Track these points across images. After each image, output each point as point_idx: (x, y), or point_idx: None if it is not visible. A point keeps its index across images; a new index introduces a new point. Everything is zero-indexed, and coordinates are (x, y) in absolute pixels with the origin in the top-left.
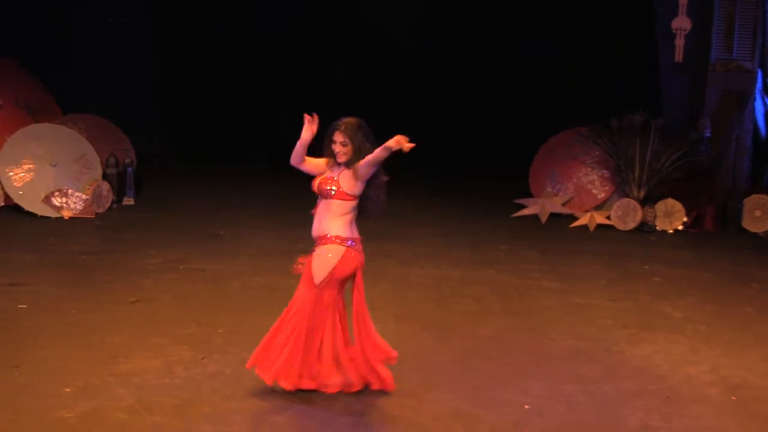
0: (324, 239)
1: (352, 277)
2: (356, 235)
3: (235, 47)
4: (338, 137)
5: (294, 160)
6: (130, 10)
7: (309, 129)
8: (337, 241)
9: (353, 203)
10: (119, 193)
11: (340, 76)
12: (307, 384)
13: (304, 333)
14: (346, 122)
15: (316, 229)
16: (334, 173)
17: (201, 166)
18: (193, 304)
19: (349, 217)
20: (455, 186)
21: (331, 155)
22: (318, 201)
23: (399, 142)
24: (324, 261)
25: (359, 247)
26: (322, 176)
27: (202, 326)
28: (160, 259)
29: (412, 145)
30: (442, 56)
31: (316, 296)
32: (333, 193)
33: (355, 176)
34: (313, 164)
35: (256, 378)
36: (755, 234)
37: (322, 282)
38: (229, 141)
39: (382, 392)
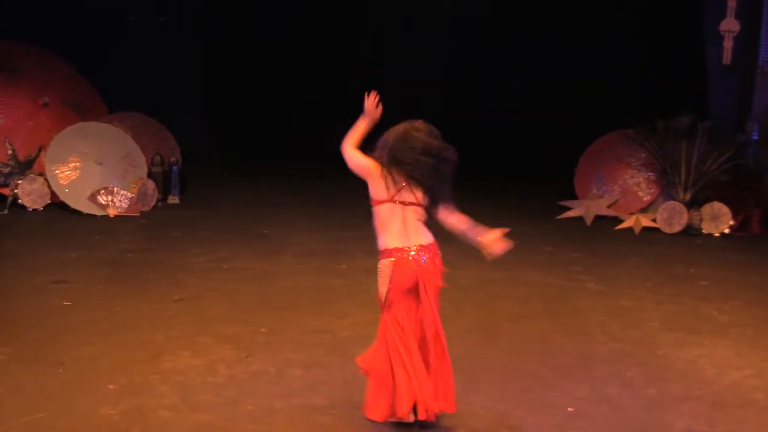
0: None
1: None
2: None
3: (282, 43)
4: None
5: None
6: (172, 9)
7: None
8: (381, 254)
9: (381, 208)
10: (164, 191)
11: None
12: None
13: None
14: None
15: None
16: None
17: (246, 164)
18: (237, 303)
19: (387, 224)
20: (501, 187)
21: None
22: None
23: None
24: (379, 278)
25: (401, 252)
26: None
27: (246, 325)
28: (205, 257)
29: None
30: (487, 56)
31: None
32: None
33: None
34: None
35: (300, 377)
36: None
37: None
38: (274, 138)
39: None
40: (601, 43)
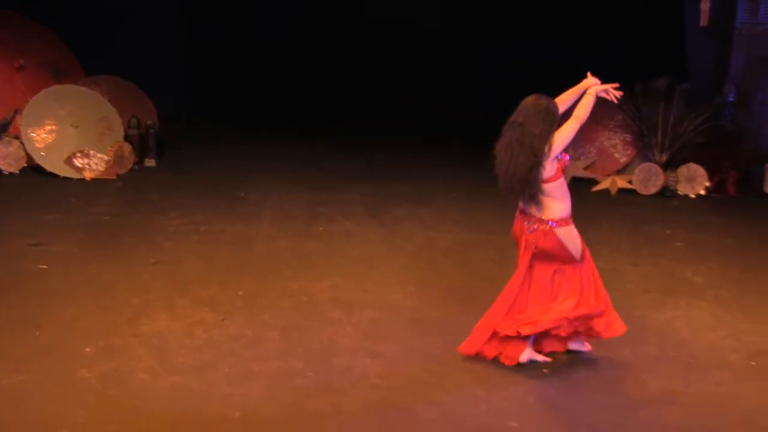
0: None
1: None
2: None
3: (266, 8)
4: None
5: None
6: None
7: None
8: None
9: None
10: (141, 154)
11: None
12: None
13: None
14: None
15: None
16: None
17: (225, 129)
18: (214, 266)
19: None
20: (480, 151)
21: None
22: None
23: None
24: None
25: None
26: None
27: (224, 288)
28: (182, 220)
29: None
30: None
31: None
32: None
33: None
34: None
35: (277, 340)
36: None
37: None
38: (253, 104)
39: (405, 356)
40: (580, 5)
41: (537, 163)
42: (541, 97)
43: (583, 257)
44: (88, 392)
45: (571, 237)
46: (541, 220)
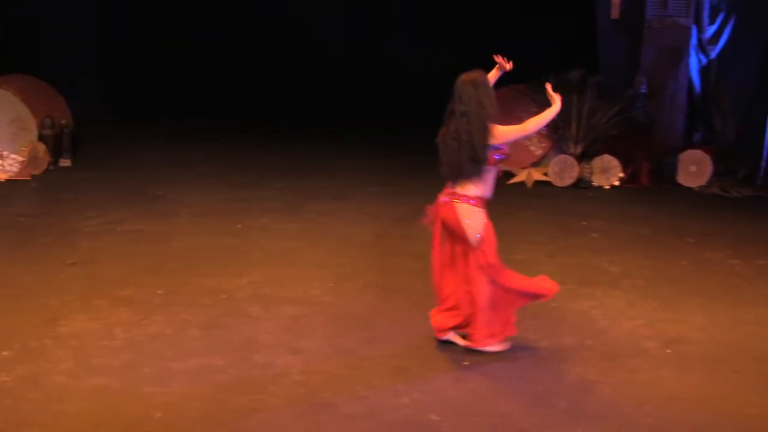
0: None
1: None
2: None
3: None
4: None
5: None
6: None
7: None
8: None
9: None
10: (56, 154)
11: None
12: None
13: None
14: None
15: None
16: None
17: (141, 126)
18: (132, 265)
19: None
20: (396, 145)
21: None
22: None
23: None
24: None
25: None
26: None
27: (142, 287)
28: (99, 220)
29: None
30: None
31: None
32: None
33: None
34: None
35: (197, 338)
36: (690, 189)
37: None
38: (169, 101)
39: (325, 351)
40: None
41: (486, 135)
42: (467, 75)
43: (481, 251)
44: (6, 396)
45: (469, 215)
46: (453, 194)
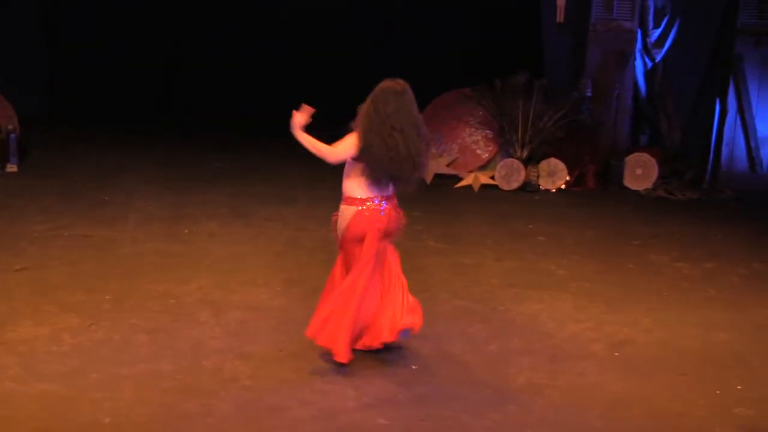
0: (343, 199)
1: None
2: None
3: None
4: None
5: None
6: None
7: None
8: (348, 202)
9: (360, 165)
10: (2, 159)
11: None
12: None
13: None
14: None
15: (342, 185)
16: None
17: (85, 131)
18: (80, 270)
19: (362, 178)
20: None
21: None
22: None
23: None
24: (340, 222)
25: (372, 206)
26: None
27: (90, 293)
28: (46, 225)
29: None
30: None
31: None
32: None
33: None
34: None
35: (145, 344)
36: (637, 192)
37: (338, 241)
38: (113, 105)
39: (274, 356)
40: (436, 3)
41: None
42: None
43: (343, 250)
44: None
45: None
46: (391, 198)
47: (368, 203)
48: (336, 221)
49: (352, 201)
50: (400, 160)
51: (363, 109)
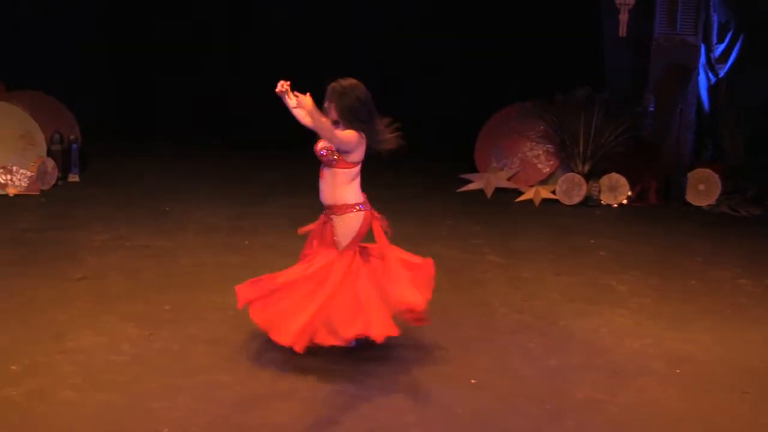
0: (340, 208)
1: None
2: (363, 195)
3: (188, 19)
4: (327, 97)
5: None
6: None
7: (288, 101)
8: (355, 208)
9: (357, 168)
10: (64, 169)
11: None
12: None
13: (327, 294)
14: (333, 86)
15: (326, 196)
16: None
17: (147, 142)
18: (139, 280)
19: (357, 181)
20: (402, 161)
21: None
22: (322, 167)
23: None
24: (348, 230)
25: (368, 204)
26: (323, 142)
27: (149, 303)
28: (107, 235)
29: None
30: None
31: (339, 260)
32: (335, 163)
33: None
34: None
35: (204, 354)
36: (699, 207)
37: (346, 247)
38: (176, 116)
39: (327, 368)
40: (498, 15)
41: None
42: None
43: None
44: (13, 411)
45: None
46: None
47: (364, 204)
48: (322, 231)
49: (351, 207)
50: (384, 140)
51: (343, 105)
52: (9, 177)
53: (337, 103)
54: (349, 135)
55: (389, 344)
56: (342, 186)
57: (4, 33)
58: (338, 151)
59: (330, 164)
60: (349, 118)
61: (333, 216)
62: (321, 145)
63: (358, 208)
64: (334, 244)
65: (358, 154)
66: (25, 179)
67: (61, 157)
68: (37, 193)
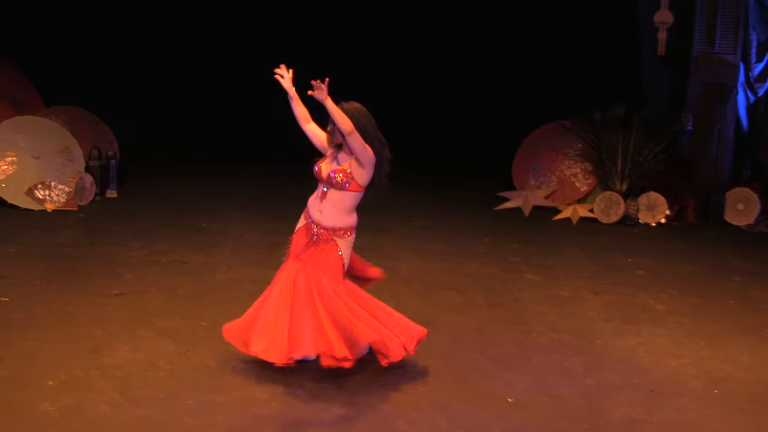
0: (345, 231)
1: None
2: None
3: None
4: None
5: (298, 120)
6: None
7: (283, 82)
8: (350, 232)
9: (362, 192)
10: (102, 185)
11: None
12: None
13: (314, 310)
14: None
15: (330, 218)
16: (343, 161)
17: (184, 159)
18: (176, 296)
19: (353, 206)
20: (440, 179)
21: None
22: (321, 185)
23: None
24: (348, 251)
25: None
26: (328, 164)
27: (186, 319)
28: (144, 251)
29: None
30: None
31: (334, 285)
32: (348, 186)
33: (359, 164)
34: (315, 132)
35: (241, 370)
36: (738, 227)
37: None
38: (213, 132)
39: (364, 384)
40: (536, 33)
41: None
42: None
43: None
44: (50, 426)
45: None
46: None
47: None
48: (331, 256)
49: (352, 229)
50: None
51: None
52: (47, 192)
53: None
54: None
55: (426, 362)
56: (349, 210)
57: (46, 48)
58: (352, 169)
59: (341, 187)
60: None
61: (335, 238)
62: (334, 168)
63: (354, 230)
64: (338, 265)
65: (369, 175)
66: (64, 195)
67: (99, 172)
68: (75, 209)
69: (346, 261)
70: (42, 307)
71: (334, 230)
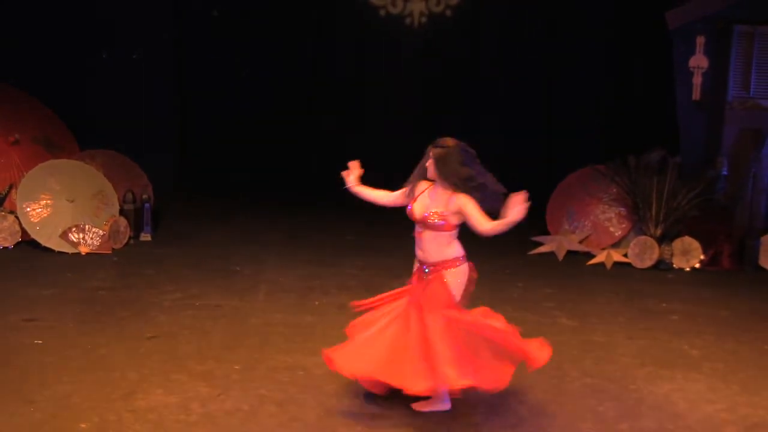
0: (451, 262)
1: None
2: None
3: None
4: (430, 156)
5: (377, 204)
6: (146, 44)
7: (349, 179)
8: (458, 262)
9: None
10: (136, 228)
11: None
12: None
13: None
14: (437, 151)
15: (433, 255)
16: (439, 197)
17: (219, 202)
18: (210, 340)
19: (455, 238)
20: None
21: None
22: (419, 229)
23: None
24: (458, 281)
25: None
26: (422, 202)
27: (220, 362)
28: (178, 295)
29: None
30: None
31: (447, 315)
32: (443, 225)
33: (454, 211)
34: (394, 199)
35: (273, 414)
36: None
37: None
38: (247, 176)
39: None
40: (572, 78)
41: None
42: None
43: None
44: None
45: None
46: None
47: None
48: (439, 288)
49: (459, 260)
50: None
51: (450, 171)
52: (82, 236)
53: (441, 170)
54: (476, 207)
55: (459, 408)
56: (450, 243)
57: (82, 91)
58: (448, 212)
59: (437, 228)
60: (462, 186)
61: (443, 272)
62: (429, 210)
63: (462, 259)
64: (449, 301)
65: (461, 218)
66: (98, 238)
67: (134, 216)
68: (109, 252)
69: (456, 290)
70: (75, 350)
71: (443, 263)
